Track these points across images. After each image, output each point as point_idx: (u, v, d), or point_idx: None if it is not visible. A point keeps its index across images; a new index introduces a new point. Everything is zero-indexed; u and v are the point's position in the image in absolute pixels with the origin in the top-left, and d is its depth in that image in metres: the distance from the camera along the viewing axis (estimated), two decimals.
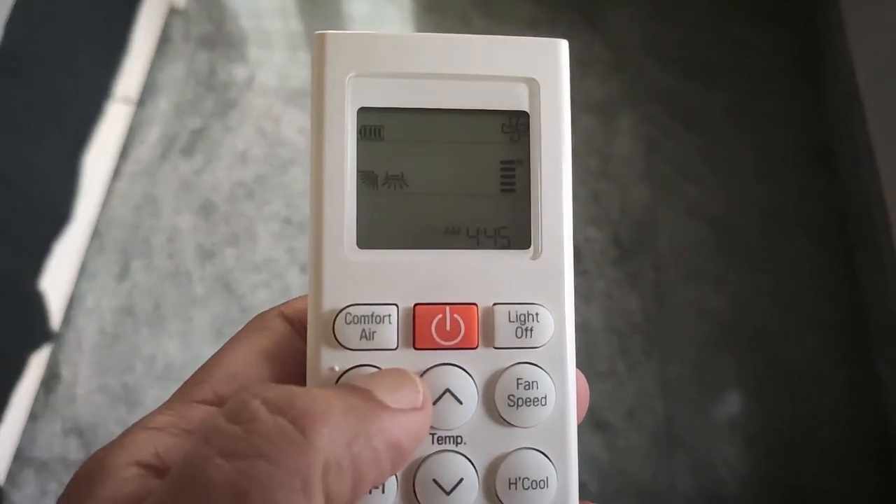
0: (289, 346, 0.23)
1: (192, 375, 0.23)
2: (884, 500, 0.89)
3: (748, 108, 1.05)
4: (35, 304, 0.90)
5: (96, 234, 0.98)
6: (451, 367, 0.22)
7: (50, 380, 0.92)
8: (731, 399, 0.92)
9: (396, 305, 0.22)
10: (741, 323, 0.95)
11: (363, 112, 0.23)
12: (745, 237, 0.99)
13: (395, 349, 0.22)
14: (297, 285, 0.97)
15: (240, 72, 1.08)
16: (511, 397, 0.22)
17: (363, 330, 0.22)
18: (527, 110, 0.23)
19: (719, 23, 1.12)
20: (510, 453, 0.22)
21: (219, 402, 0.22)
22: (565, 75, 0.23)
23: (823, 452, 0.90)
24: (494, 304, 0.22)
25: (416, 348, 0.22)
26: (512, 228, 0.23)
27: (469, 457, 0.22)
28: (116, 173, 1.01)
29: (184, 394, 0.22)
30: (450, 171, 0.23)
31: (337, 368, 0.22)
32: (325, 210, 0.22)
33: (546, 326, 0.22)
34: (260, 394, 0.17)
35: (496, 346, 0.22)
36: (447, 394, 0.22)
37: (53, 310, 0.92)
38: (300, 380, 0.22)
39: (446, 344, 0.22)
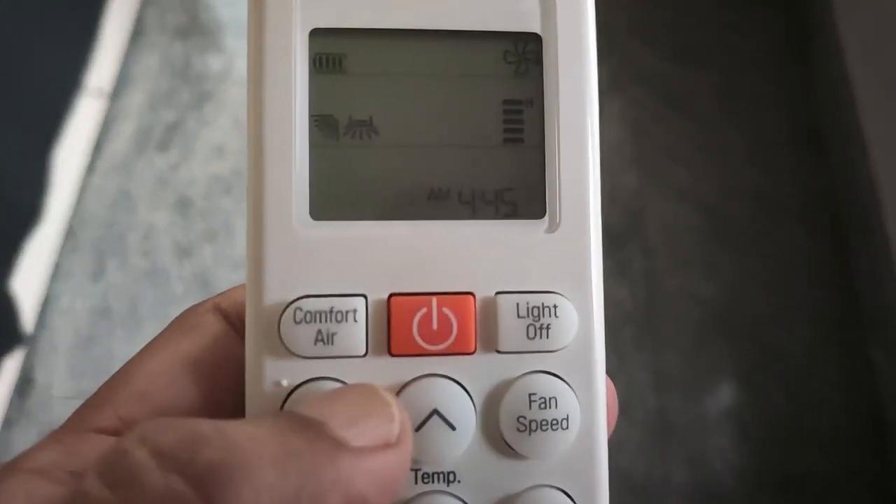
0: (224, 351, 0.16)
1: (98, 388, 0.16)
2: (879, 488, 0.84)
3: (737, 91, 1.00)
4: (6, 306, 0.83)
5: (70, 232, 0.91)
6: (439, 379, 0.15)
7: (24, 384, 0.85)
8: (725, 389, 0.88)
9: (365, 297, 0.15)
10: (733, 310, 0.90)
11: (318, 35, 0.16)
12: (736, 222, 0.94)
13: (364, 356, 0.15)
14: None
15: (216, 62, 1.02)
16: (521, 419, 0.15)
17: (319, 331, 0.15)
18: (538, 32, 0.16)
19: (707, 5, 1.07)
20: (521, 494, 0.15)
21: (124, 431, 0.15)
22: None
23: (818, 441, 0.86)
24: (497, 293, 0.16)
25: (391, 355, 0.15)
26: (519, 191, 0.16)
27: (465, 500, 0.15)
28: (90, 169, 0.94)
29: (79, 419, 0.16)
30: (435, 115, 0.16)
31: (285, 383, 0.15)
32: (267, 169, 0.15)
33: (568, 322, 0.15)
34: (150, 438, 0.11)
35: (500, 349, 0.15)
36: (435, 416, 0.15)
37: (26, 311, 0.86)
38: (240, 396, 0.16)
39: (433, 349, 0.15)
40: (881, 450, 0.85)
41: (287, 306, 0.15)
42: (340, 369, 0.15)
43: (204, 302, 0.17)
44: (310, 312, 0.15)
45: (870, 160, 0.88)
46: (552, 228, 0.16)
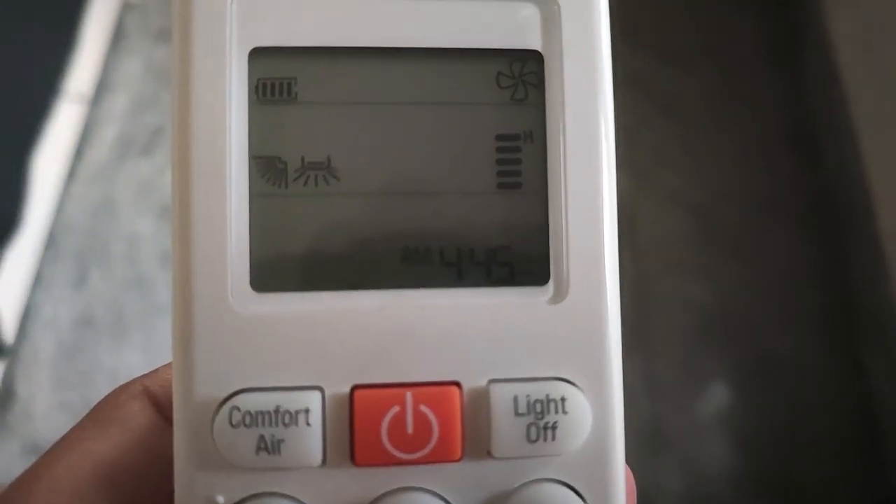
0: (150, 450, 0.13)
1: None
2: (872, 491, 0.81)
3: (727, 93, 0.98)
4: None
5: (51, 240, 0.87)
6: (418, 494, 0.12)
7: (5, 397, 0.82)
8: (717, 393, 0.86)
9: (321, 390, 0.12)
10: (724, 314, 0.88)
11: (260, 56, 0.12)
12: (727, 225, 0.92)
13: (321, 467, 0.11)
14: None
15: None
16: None
17: (262, 436, 0.11)
18: (539, 49, 0.12)
19: (696, 7, 1.04)
20: None
21: None
22: None
23: (811, 444, 0.84)
24: (490, 381, 0.12)
25: (356, 465, 0.12)
26: (517, 250, 0.12)
27: None
28: (71, 176, 0.90)
29: None
30: (409, 155, 0.12)
31: (222, 501, 0.11)
32: (196, 227, 0.12)
33: (579, 419, 0.12)
34: None
35: (494, 455, 0.12)
36: None
37: (6, 322, 0.82)
38: None
39: (408, 457, 0.11)
40: (875, 454, 0.83)
41: (221, 404, 0.11)
42: (291, 484, 0.11)
43: (130, 384, 0.14)
44: (249, 413, 0.11)
45: (862, 160, 0.86)
46: (559, 297, 0.12)
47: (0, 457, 0.78)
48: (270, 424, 0.11)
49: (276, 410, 0.11)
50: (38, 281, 0.85)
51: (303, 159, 0.12)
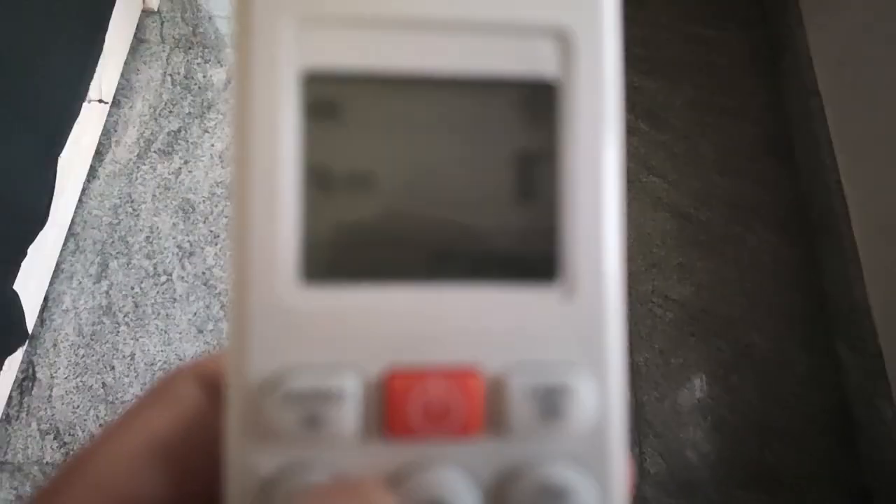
0: (201, 428, 0.14)
1: (55, 473, 0.13)
2: (846, 478, 0.83)
3: (710, 103, 0.98)
4: (10, 305, 0.80)
5: (72, 234, 0.87)
6: (442, 466, 0.13)
7: (27, 381, 0.82)
8: (698, 384, 0.86)
9: (358, 371, 0.13)
10: (706, 311, 0.88)
11: (312, 78, 0.13)
12: (709, 228, 0.92)
13: (357, 440, 0.13)
14: None
15: (216, 74, 0.98)
16: None
17: (306, 412, 0.12)
18: (555, 78, 0.13)
19: (680, 21, 1.04)
20: None
21: None
22: (613, 24, 0.14)
23: (788, 434, 0.84)
24: (508, 367, 0.13)
25: (388, 438, 0.13)
26: (532, 252, 0.13)
27: None
28: (92, 174, 0.91)
29: None
30: (440, 168, 0.13)
31: (268, 469, 0.12)
32: (253, 227, 0.13)
33: (585, 403, 0.13)
34: None
35: (511, 433, 0.13)
36: None
37: (29, 311, 0.82)
38: (217, 481, 0.13)
39: (434, 432, 0.13)
40: (848, 442, 0.84)
41: (271, 382, 0.12)
42: (331, 455, 0.12)
43: (181, 369, 0.14)
44: (296, 391, 0.12)
45: (837, 169, 0.87)
46: (568, 295, 0.13)
47: (20, 437, 0.79)
48: (315, 400, 0.12)
49: (320, 388, 0.12)
50: (61, 272, 0.86)
51: (348, 171, 0.13)
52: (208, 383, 0.14)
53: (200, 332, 0.85)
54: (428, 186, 0.13)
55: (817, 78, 0.91)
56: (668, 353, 0.88)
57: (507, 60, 0.13)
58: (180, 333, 0.85)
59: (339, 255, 0.13)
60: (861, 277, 0.83)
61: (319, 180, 0.13)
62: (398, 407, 0.12)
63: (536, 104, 0.13)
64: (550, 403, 0.12)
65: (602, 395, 0.13)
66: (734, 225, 0.93)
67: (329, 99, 0.13)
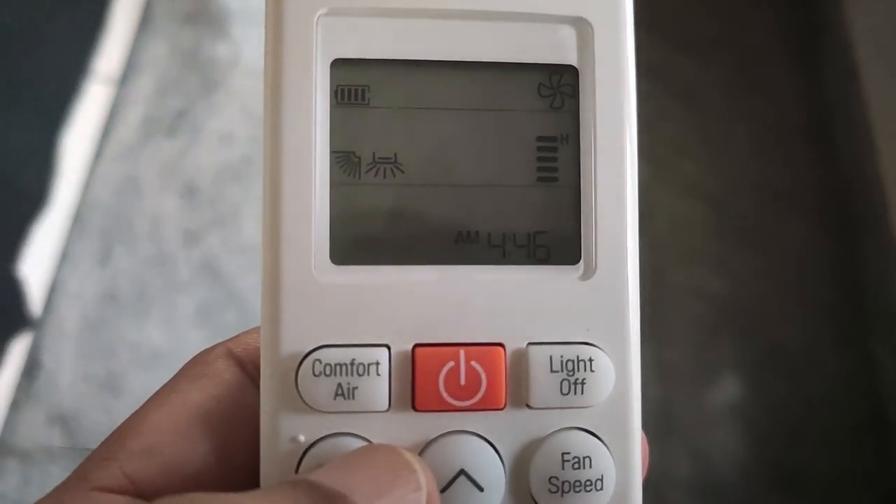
0: (237, 402, 0.15)
1: (103, 441, 0.15)
2: (879, 485, 0.83)
3: (746, 84, 0.98)
4: (14, 290, 0.82)
5: (77, 217, 0.89)
6: (467, 436, 0.14)
7: (31, 367, 0.85)
8: (728, 383, 0.86)
9: (388, 347, 0.14)
10: (738, 306, 0.89)
11: (339, 66, 0.14)
12: (743, 217, 0.92)
13: (386, 411, 0.14)
14: None
15: (224, 51, 1.00)
16: (553, 480, 0.14)
17: (339, 384, 0.14)
18: (575, 64, 0.15)
19: None
20: None
21: (130, 489, 0.14)
22: (629, 14, 0.15)
23: (820, 436, 0.85)
24: (529, 344, 0.14)
25: (416, 410, 0.14)
26: (553, 234, 0.15)
27: None
28: (97, 155, 0.93)
29: (82, 475, 0.14)
30: (463, 152, 0.15)
31: (303, 439, 0.14)
32: (285, 209, 0.14)
33: (604, 377, 0.14)
34: None
35: (532, 405, 0.14)
36: (462, 477, 0.14)
37: (34, 296, 0.84)
38: (254, 451, 0.14)
39: (460, 404, 0.14)
40: (882, 447, 0.84)
41: (305, 357, 0.14)
42: (361, 425, 0.14)
43: (215, 347, 0.16)
44: (329, 364, 0.14)
45: (878, 155, 0.86)
46: (588, 275, 0.15)
47: (25, 424, 0.81)
48: (347, 374, 0.14)
49: (352, 363, 0.14)
50: (65, 256, 0.88)
51: (374, 154, 0.15)
52: (242, 360, 0.16)
53: (206, 319, 0.87)
54: (452, 170, 0.15)
55: (858, 60, 0.90)
56: (697, 349, 0.88)
57: (529, 48, 0.14)
58: (186, 321, 0.87)
59: (366, 237, 0.14)
60: None
61: (347, 164, 0.14)
62: (426, 380, 0.14)
63: (558, 89, 0.15)
64: (570, 377, 0.14)
65: (619, 369, 0.14)
66: (769, 215, 0.93)
67: (358, 85, 0.14)
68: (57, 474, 0.77)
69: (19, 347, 0.82)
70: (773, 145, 0.96)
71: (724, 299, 0.89)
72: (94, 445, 0.15)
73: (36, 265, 0.83)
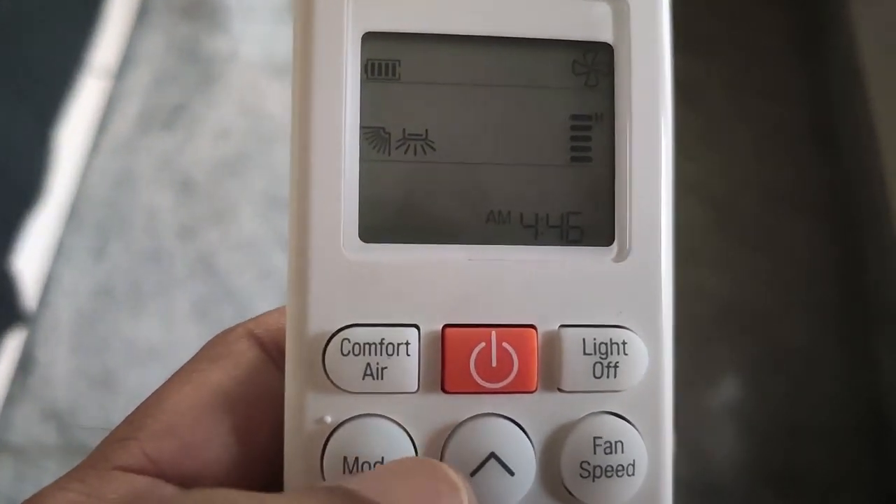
0: (259, 383, 0.15)
1: (123, 421, 0.15)
2: (880, 485, 0.83)
3: (748, 84, 0.98)
4: (8, 284, 0.82)
5: (72, 211, 0.89)
6: (497, 419, 0.14)
7: (26, 362, 0.84)
8: (728, 383, 0.86)
9: (417, 328, 0.14)
10: (739, 306, 0.89)
11: (370, 39, 0.14)
12: (745, 217, 0.92)
13: (416, 392, 0.14)
14: (283, 267, 0.88)
15: (222, 44, 0.99)
16: (585, 465, 0.14)
17: (368, 364, 0.14)
18: (610, 42, 0.14)
19: None
20: None
21: (150, 469, 0.14)
22: None
23: (820, 437, 0.85)
24: (561, 326, 0.14)
25: (445, 391, 0.14)
26: (586, 215, 0.14)
27: None
28: (93, 149, 0.92)
29: (102, 455, 0.14)
30: (495, 130, 0.15)
31: (329, 420, 0.14)
32: (314, 186, 0.14)
33: (637, 360, 0.14)
34: None
35: (564, 388, 0.14)
36: (492, 460, 0.14)
37: (28, 290, 0.84)
38: (276, 433, 0.14)
39: (491, 386, 0.14)
40: (883, 448, 0.84)
41: (333, 336, 0.14)
42: (390, 406, 0.14)
43: (235, 327, 0.16)
44: (358, 344, 0.14)
45: (881, 155, 0.86)
46: (621, 256, 0.14)
47: (20, 419, 0.81)
48: (376, 354, 0.14)
49: (381, 342, 0.14)
50: (60, 251, 0.88)
51: (404, 131, 0.14)
52: (263, 341, 0.16)
53: (203, 315, 0.87)
54: (484, 147, 0.14)
55: (863, 60, 0.91)
56: (697, 349, 0.89)
57: (563, 25, 0.14)
58: (182, 317, 0.86)
59: (396, 215, 0.14)
60: None
61: (377, 140, 0.14)
62: (456, 362, 0.14)
63: (593, 67, 0.14)
64: (603, 360, 0.14)
65: (652, 353, 0.14)
66: (771, 215, 0.93)
67: (389, 59, 0.14)
68: (52, 470, 0.77)
69: (13, 343, 0.82)
70: (776, 145, 0.96)
71: (726, 299, 0.89)
72: (89, 441, 0.15)
73: (30, 259, 0.83)
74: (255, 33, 1.01)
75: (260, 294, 0.88)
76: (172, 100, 0.95)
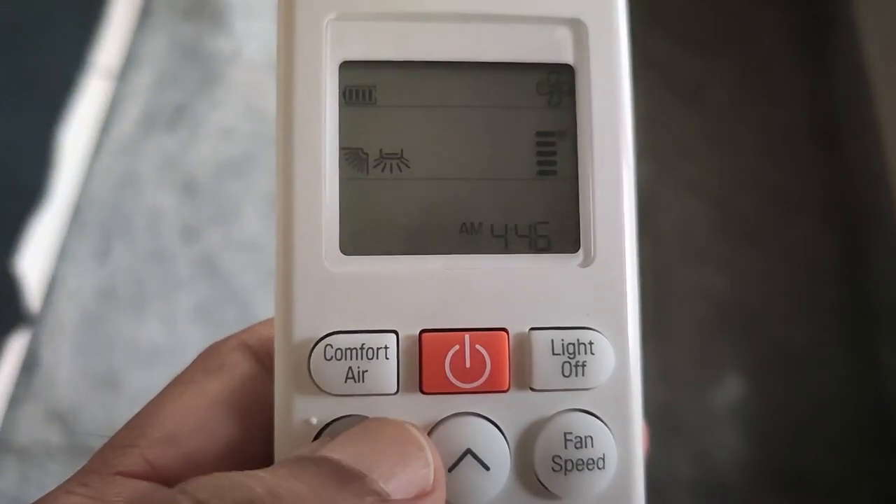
0: (253, 392, 0.16)
1: (122, 428, 0.16)
2: (884, 485, 0.83)
3: (750, 82, 0.99)
4: (12, 286, 0.83)
5: (76, 213, 0.90)
6: (472, 417, 0.15)
7: (30, 363, 0.85)
8: (731, 384, 0.87)
9: (396, 333, 0.15)
10: (742, 306, 0.89)
11: (348, 67, 0.15)
12: (747, 216, 0.93)
13: (395, 394, 0.15)
14: None
15: (225, 45, 1.01)
16: (556, 459, 0.15)
17: (350, 368, 0.15)
18: (571, 63, 0.16)
19: None
20: None
21: (152, 474, 0.15)
22: (622, 14, 0.16)
23: (824, 437, 0.85)
24: (531, 329, 0.15)
25: (423, 392, 0.15)
26: (553, 224, 0.16)
27: None
28: (96, 150, 0.93)
29: (104, 460, 0.15)
30: (466, 148, 0.16)
31: (315, 421, 0.15)
32: (297, 202, 0.15)
33: (604, 359, 0.15)
34: (204, 502, 0.11)
35: (535, 387, 0.15)
36: (468, 456, 0.15)
37: (32, 292, 0.85)
38: (271, 439, 0.15)
39: (465, 386, 0.15)
40: (887, 448, 0.84)
41: (317, 343, 0.15)
42: (371, 407, 0.15)
43: (229, 339, 0.17)
44: (340, 349, 0.15)
45: (885, 155, 0.87)
46: (587, 262, 0.16)
47: (24, 420, 0.82)
48: (357, 358, 0.15)
49: (362, 347, 0.15)
50: (64, 252, 0.89)
51: (381, 150, 0.16)
52: (256, 351, 0.17)
53: (207, 316, 0.88)
54: (456, 164, 0.16)
55: (866, 59, 0.91)
56: (700, 349, 0.89)
57: (527, 48, 0.16)
58: (185, 318, 0.87)
59: (374, 228, 0.16)
60: None
61: (356, 160, 0.15)
62: (432, 364, 0.15)
63: (556, 87, 0.16)
64: (571, 359, 0.15)
65: (618, 352, 0.15)
66: (773, 214, 0.94)
67: (365, 85, 0.15)
68: (56, 471, 0.78)
69: (18, 344, 0.83)
70: (778, 144, 0.96)
71: (728, 299, 0.89)
72: (93, 442, 0.16)
73: (34, 261, 0.84)
74: (258, 33, 1.02)
75: (263, 295, 0.89)
76: (175, 100, 0.97)
